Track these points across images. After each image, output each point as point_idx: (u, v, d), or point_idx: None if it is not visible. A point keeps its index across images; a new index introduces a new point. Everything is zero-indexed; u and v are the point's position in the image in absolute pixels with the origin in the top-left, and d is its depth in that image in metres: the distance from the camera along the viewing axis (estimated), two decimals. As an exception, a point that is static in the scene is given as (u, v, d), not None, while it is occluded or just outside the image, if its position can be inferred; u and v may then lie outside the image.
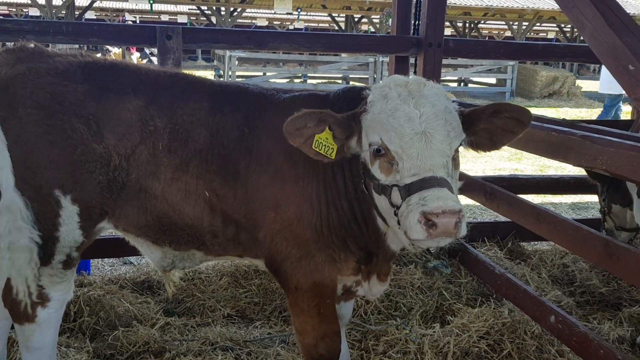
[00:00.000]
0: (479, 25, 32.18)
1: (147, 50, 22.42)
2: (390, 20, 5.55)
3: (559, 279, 4.41)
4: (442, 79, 3.65)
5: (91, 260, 4.53)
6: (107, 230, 2.62)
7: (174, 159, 2.38)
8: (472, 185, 3.90)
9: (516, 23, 28.24)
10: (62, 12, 23.58)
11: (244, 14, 31.31)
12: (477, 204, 4.06)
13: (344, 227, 2.42)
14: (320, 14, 33.47)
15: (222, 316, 3.72)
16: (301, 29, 36.81)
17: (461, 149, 2.21)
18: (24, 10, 32.83)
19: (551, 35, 41.36)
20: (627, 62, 2.36)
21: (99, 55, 3.02)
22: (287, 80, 21.54)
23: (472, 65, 21.50)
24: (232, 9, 26.73)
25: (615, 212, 3.97)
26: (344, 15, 29.26)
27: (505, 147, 2.35)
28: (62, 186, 2.31)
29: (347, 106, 2.32)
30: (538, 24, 32.26)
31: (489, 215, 6.27)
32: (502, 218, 4.78)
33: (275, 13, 31.07)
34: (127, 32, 4.11)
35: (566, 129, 2.86)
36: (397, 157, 2.02)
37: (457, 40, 6.05)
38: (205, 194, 2.40)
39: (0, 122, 2.27)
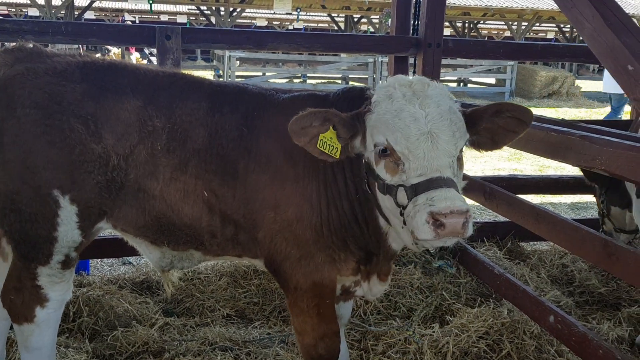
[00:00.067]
0: (479, 26, 32.20)
1: (146, 50, 22.43)
2: (389, 20, 5.55)
3: (558, 279, 4.41)
4: (441, 79, 3.65)
5: (90, 260, 4.53)
6: (106, 230, 2.62)
7: (173, 159, 2.38)
8: (471, 185, 3.90)
9: (515, 23, 28.26)
10: (62, 12, 23.57)
11: (244, 14, 31.33)
12: (477, 203, 4.06)
13: (344, 227, 2.42)
14: (319, 14, 33.48)
15: (221, 316, 3.72)
16: (300, 29, 36.82)
17: (463, 148, 2.22)
18: (23, 10, 32.83)
19: (550, 36, 41.39)
20: (626, 62, 2.36)
21: (98, 55, 3.02)
22: (287, 80, 21.55)
23: (471, 66, 21.51)
24: (231, 9, 26.75)
25: (614, 214, 3.95)
26: (344, 15, 29.27)
27: (504, 147, 2.36)
28: (60, 186, 2.31)
29: (348, 106, 2.32)
30: (537, 24, 32.30)
31: (488, 215, 6.27)
32: (501, 218, 4.78)
33: (274, 13, 31.07)
34: (126, 32, 4.11)
35: (565, 129, 2.86)
36: (403, 158, 2.02)
37: (456, 41, 6.05)
38: (204, 194, 2.40)
39: (-1, 122, 2.27)
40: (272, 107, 2.51)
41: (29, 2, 25.37)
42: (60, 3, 22.89)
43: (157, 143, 2.36)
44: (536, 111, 2.36)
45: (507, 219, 3.92)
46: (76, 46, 12.92)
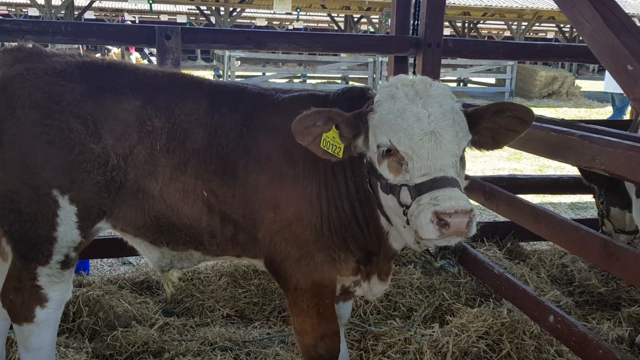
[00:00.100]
0: (478, 25, 32.19)
1: (146, 50, 22.43)
2: (389, 20, 5.55)
3: (558, 279, 4.41)
4: (441, 79, 3.65)
5: (90, 260, 4.53)
6: (106, 230, 2.62)
7: (172, 159, 2.38)
8: (471, 185, 3.88)
9: (515, 23, 28.26)
10: (62, 12, 23.57)
11: (243, 14, 31.33)
12: (476, 203, 4.05)
13: (345, 227, 2.42)
14: (319, 14, 33.48)
15: (221, 316, 3.72)
16: (300, 29, 36.81)
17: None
18: (23, 10, 32.82)
19: (550, 35, 41.38)
20: (625, 62, 2.36)
21: (97, 55, 3.02)
22: (287, 80, 21.55)
23: (471, 65, 21.52)
24: (231, 9, 26.75)
25: (614, 215, 3.93)
26: (343, 15, 29.27)
27: (504, 147, 2.36)
28: (60, 186, 2.31)
29: (348, 106, 2.32)
30: (537, 24, 32.30)
31: (488, 215, 6.27)
32: (501, 218, 4.78)
33: (274, 13, 31.06)
34: (126, 32, 4.11)
35: (565, 129, 2.86)
36: (406, 158, 2.02)
37: (456, 40, 6.05)
38: (204, 194, 2.40)
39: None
40: (271, 107, 2.51)
41: (28, 2, 25.37)
42: (60, 3, 22.89)
43: (157, 143, 2.36)
44: (536, 111, 2.36)
45: (507, 219, 3.92)
46: (76, 46, 12.92)
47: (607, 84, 12.33)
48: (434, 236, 1.88)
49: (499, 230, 4.96)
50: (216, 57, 22.47)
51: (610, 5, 2.51)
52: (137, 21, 36.39)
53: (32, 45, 2.51)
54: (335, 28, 31.69)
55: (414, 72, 4.55)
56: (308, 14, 34.03)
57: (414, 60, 4.60)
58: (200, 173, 2.39)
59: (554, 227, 3.02)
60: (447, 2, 5.48)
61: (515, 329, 3.34)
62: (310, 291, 2.48)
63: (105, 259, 4.78)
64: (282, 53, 19.28)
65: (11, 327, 2.72)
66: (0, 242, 2.61)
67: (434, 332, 3.33)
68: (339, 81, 22.95)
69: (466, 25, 31.09)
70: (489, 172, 8.58)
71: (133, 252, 2.74)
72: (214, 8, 26.52)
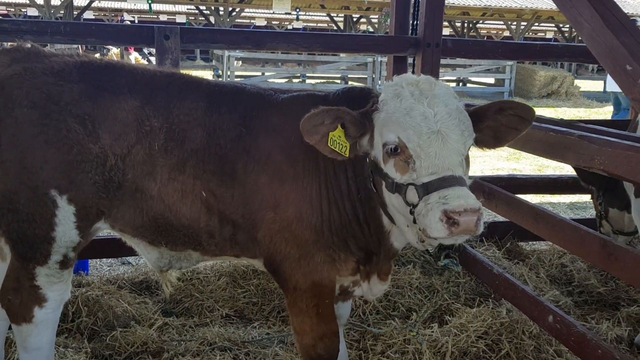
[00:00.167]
0: (478, 25, 32.21)
1: (145, 50, 22.41)
2: (388, 20, 5.55)
3: (557, 279, 4.41)
4: (440, 79, 3.65)
5: (89, 260, 4.53)
6: (105, 230, 2.62)
7: (171, 159, 2.37)
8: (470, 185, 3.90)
9: (514, 23, 28.26)
10: (61, 12, 23.55)
11: (243, 14, 31.33)
12: (476, 203, 4.05)
13: (345, 227, 2.42)
14: (318, 13, 33.49)
15: (220, 316, 3.72)
16: (300, 29, 36.79)
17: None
18: (23, 10, 32.78)
19: (549, 35, 41.39)
20: (624, 62, 2.36)
21: (97, 55, 3.01)
22: (286, 80, 21.56)
23: (470, 65, 21.53)
24: (230, 8, 26.75)
25: (613, 216, 3.91)
26: (343, 15, 29.26)
27: (503, 147, 2.37)
28: (58, 186, 2.31)
29: (348, 106, 2.31)
30: (536, 24, 32.32)
31: (487, 215, 6.27)
32: (500, 218, 4.78)
33: (273, 13, 31.03)
34: (125, 32, 4.10)
35: (564, 129, 2.86)
36: (414, 156, 2.03)
37: (455, 40, 6.06)
38: (202, 194, 2.40)
39: (-3, 122, 2.27)
40: (270, 107, 2.51)
41: (28, 2, 25.35)
42: (59, 3, 22.87)
43: (155, 143, 2.36)
44: (535, 111, 2.37)
45: (506, 219, 3.92)
46: (75, 46, 12.91)
47: (610, 83, 12.29)
48: (443, 234, 1.90)
49: (498, 230, 4.96)
50: (215, 57, 22.47)
51: (609, 5, 2.51)
52: (136, 21, 36.34)
53: (30, 45, 2.51)
54: (335, 28, 31.68)
55: (413, 72, 4.55)
56: (307, 13, 34.03)
57: (413, 60, 4.60)
58: (199, 173, 2.39)
59: (553, 227, 3.02)
60: (446, 2, 5.49)
61: (514, 329, 3.34)
62: (310, 291, 2.48)
63: (104, 259, 4.78)
64: (282, 53, 19.29)
65: (10, 327, 2.72)
66: (-2, 243, 2.60)
67: (433, 332, 3.34)
68: (338, 81, 22.96)
69: (465, 25, 31.10)
70: (488, 172, 8.58)
71: (132, 252, 2.74)
72: (213, 8, 26.52)
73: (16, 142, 2.27)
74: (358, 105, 2.27)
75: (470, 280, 4.21)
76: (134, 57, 19.28)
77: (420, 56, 4.44)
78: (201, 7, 28.04)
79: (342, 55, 19.59)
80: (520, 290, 3.49)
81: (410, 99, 2.10)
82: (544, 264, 4.58)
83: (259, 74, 20.38)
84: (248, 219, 2.43)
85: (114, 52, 19.92)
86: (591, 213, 6.52)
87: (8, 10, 33.89)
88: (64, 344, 3.19)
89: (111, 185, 2.36)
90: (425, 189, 1.96)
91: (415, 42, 4.45)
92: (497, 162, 9.75)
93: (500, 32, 39.41)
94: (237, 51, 17.74)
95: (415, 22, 4.53)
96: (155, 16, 36.48)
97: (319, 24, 40.11)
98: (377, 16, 25.85)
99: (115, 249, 3.80)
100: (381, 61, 19.21)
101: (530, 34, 36.88)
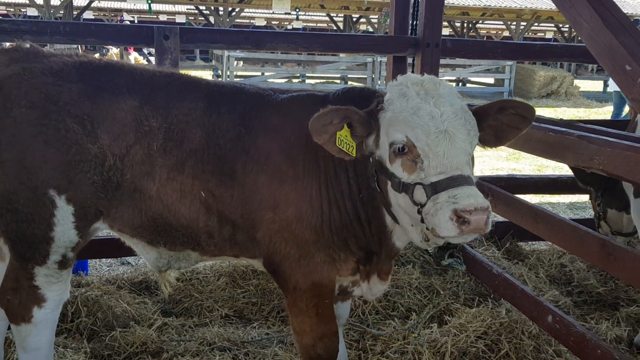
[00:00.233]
0: (477, 25, 32.19)
1: (145, 50, 22.39)
2: (388, 20, 5.55)
3: (556, 279, 4.41)
4: (440, 79, 3.65)
5: (89, 260, 4.53)
6: (105, 230, 2.61)
7: (169, 159, 2.37)
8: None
9: (514, 23, 28.26)
10: (60, 12, 23.54)
11: (242, 14, 31.30)
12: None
13: (346, 227, 2.42)
14: (318, 13, 33.47)
15: (219, 316, 3.72)
16: (299, 29, 36.79)
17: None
18: (22, 10, 32.76)
19: (549, 35, 41.38)
20: (624, 62, 2.37)
21: (96, 55, 3.01)
22: (286, 80, 21.56)
23: (470, 65, 21.54)
24: (230, 8, 26.73)
25: (611, 217, 3.89)
26: (342, 15, 29.25)
27: (503, 147, 2.39)
28: (57, 186, 2.30)
29: None
30: (536, 24, 32.31)
31: (487, 215, 6.26)
32: (499, 218, 4.77)
33: (273, 13, 31.02)
34: (124, 32, 4.10)
35: (563, 129, 2.86)
36: (422, 155, 2.03)
37: (455, 40, 6.06)
38: (201, 194, 2.40)
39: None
40: (269, 107, 2.51)
41: (27, 2, 25.33)
42: (58, 3, 22.86)
43: (154, 143, 2.36)
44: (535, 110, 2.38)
45: (506, 219, 3.92)
46: (75, 46, 12.91)
47: (614, 83, 12.23)
48: (453, 233, 1.91)
49: (498, 230, 4.96)
50: (215, 57, 22.47)
51: (608, 5, 2.51)
52: (136, 21, 36.32)
53: (29, 45, 2.51)
54: (334, 28, 31.65)
55: (412, 72, 4.55)
56: (307, 13, 34.02)
57: (413, 60, 4.60)
58: (198, 173, 2.38)
59: (552, 227, 3.02)
60: (445, 2, 5.49)
61: (513, 329, 3.34)
62: (310, 291, 2.48)
63: (103, 259, 4.78)
64: (281, 53, 19.29)
65: (9, 328, 2.72)
66: (-2, 243, 2.60)
67: (432, 332, 3.34)
68: (338, 81, 22.97)
69: (465, 25, 31.09)
70: (487, 172, 8.57)
71: (132, 252, 2.74)
72: (212, 8, 26.51)
73: (15, 142, 2.27)
74: (358, 106, 2.26)
75: (469, 280, 4.21)
76: (134, 57, 19.27)
77: (420, 56, 4.44)
78: (201, 7, 28.03)
79: (341, 55, 19.59)
80: (519, 290, 3.49)
81: (416, 99, 2.10)
82: (544, 264, 4.58)
83: (259, 74, 20.38)
84: (247, 219, 2.43)
85: (113, 52, 19.90)
86: (590, 213, 6.51)
87: (8, 10, 33.87)
88: (63, 344, 3.19)
89: (110, 185, 2.36)
90: (434, 189, 1.97)
91: (415, 42, 4.45)
92: (497, 162, 9.75)
93: (499, 32, 39.41)
94: (237, 51, 17.75)
95: (414, 22, 4.53)
96: (155, 16, 36.45)
97: (318, 24, 40.10)
98: (376, 16, 25.85)
99: (114, 249, 3.80)
100: (381, 61, 19.22)
101: (530, 34, 36.87)
